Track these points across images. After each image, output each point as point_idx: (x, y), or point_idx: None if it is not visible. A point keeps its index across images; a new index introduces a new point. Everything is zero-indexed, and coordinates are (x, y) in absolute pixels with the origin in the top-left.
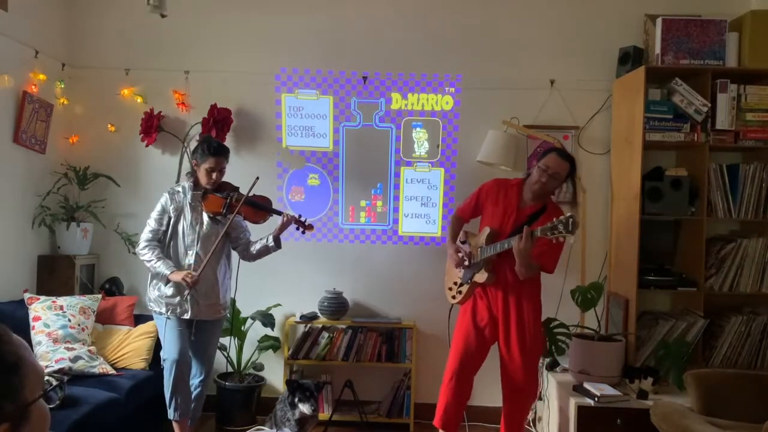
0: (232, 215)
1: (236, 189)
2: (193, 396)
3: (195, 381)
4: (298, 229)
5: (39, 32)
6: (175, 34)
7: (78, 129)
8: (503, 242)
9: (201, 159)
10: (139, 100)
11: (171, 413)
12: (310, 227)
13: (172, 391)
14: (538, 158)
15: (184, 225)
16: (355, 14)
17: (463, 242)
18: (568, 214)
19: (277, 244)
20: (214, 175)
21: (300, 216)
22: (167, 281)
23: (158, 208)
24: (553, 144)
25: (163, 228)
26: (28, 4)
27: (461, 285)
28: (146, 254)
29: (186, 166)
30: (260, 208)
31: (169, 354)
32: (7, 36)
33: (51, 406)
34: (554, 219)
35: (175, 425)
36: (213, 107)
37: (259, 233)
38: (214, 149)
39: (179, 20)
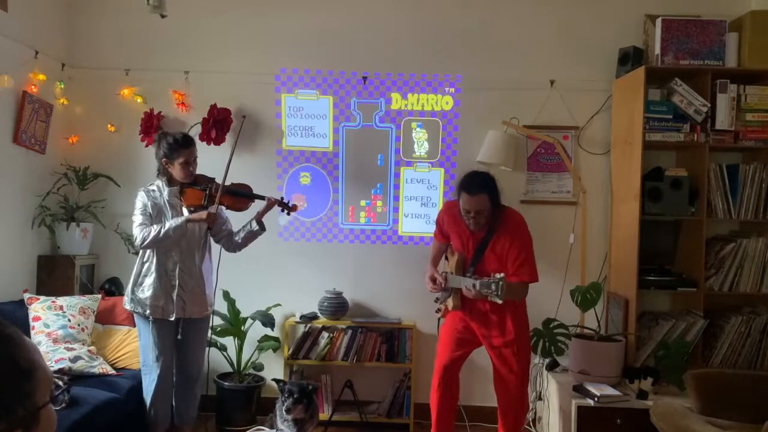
0: (215, 206)
1: (212, 180)
2: (186, 401)
3: (186, 386)
4: (283, 211)
5: (39, 32)
6: (175, 34)
7: (78, 129)
8: (461, 280)
9: (172, 155)
10: (139, 100)
11: (148, 422)
12: (295, 207)
13: (151, 404)
14: (456, 194)
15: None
16: (355, 14)
17: (446, 258)
18: (499, 276)
19: (262, 226)
20: (190, 167)
21: (283, 198)
22: (148, 283)
23: (139, 205)
24: (468, 175)
25: (149, 222)
26: (28, 4)
27: (441, 302)
28: (151, 232)
29: None
30: (242, 196)
31: (150, 370)
32: (7, 36)
33: (57, 408)
34: (491, 276)
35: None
36: (213, 107)
37: (240, 222)
38: (183, 141)
39: (179, 20)
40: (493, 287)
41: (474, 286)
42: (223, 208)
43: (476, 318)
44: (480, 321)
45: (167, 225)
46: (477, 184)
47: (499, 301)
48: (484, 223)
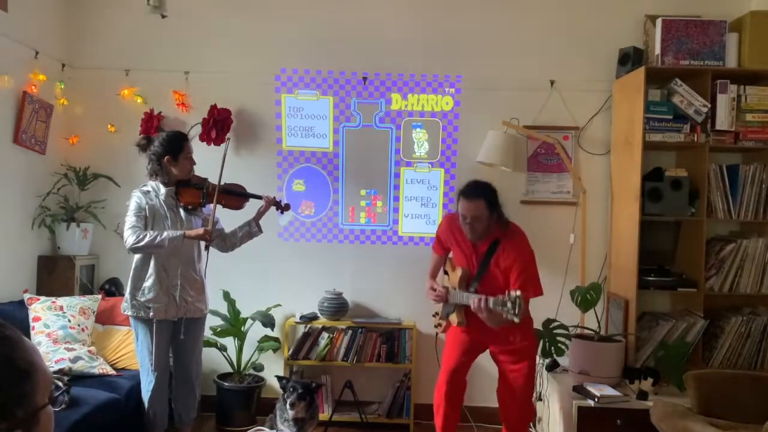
0: (214, 204)
1: (205, 179)
2: (186, 402)
3: (186, 387)
4: (277, 209)
5: (39, 32)
6: (175, 34)
7: (78, 129)
8: (467, 296)
9: (177, 150)
10: (139, 100)
11: (147, 423)
12: (288, 207)
13: (149, 406)
14: (456, 202)
15: (165, 226)
16: (355, 14)
17: (446, 272)
18: (516, 293)
19: (260, 228)
20: (193, 160)
21: (275, 197)
22: (148, 285)
23: (134, 206)
24: (468, 182)
25: (143, 225)
26: (28, 4)
27: (441, 318)
28: (144, 237)
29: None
30: (238, 195)
31: (149, 371)
32: (7, 36)
33: (57, 409)
34: (506, 294)
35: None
36: (213, 108)
37: (231, 220)
38: (182, 135)
39: (179, 20)
40: (509, 306)
41: (486, 302)
42: (218, 207)
43: (483, 333)
44: (487, 336)
45: (165, 234)
46: (474, 189)
47: (516, 320)
48: (482, 233)
